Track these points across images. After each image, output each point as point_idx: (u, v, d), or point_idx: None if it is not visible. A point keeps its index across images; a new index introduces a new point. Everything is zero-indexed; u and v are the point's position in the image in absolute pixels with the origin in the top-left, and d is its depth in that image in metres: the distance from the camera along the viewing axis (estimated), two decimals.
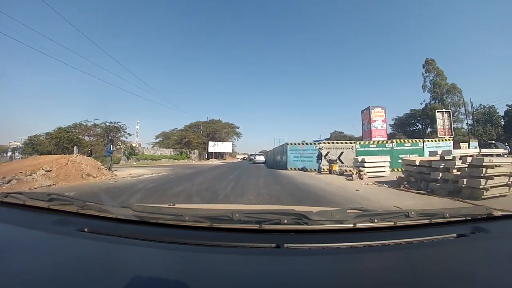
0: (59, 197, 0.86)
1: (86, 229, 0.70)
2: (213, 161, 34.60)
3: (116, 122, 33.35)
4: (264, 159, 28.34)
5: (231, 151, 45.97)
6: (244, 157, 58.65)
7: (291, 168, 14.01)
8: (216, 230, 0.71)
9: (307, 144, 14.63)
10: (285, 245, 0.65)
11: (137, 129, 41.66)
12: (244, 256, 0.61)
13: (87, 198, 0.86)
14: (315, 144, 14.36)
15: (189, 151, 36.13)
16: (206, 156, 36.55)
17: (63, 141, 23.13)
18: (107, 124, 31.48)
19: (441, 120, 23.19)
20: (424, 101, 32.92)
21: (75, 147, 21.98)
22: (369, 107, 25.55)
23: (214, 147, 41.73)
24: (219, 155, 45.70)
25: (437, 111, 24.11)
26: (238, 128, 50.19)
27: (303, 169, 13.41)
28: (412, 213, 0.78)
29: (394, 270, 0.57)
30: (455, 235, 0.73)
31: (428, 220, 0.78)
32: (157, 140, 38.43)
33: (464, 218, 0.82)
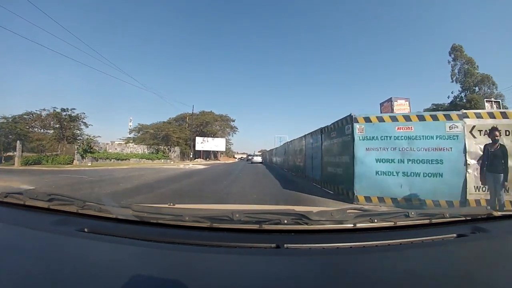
0: (59, 197, 0.87)
1: (86, 229, 0.73)
2: (197, 163, 24.70)
3: (70, 109, 22.34)
4: (261, 159, 30.91)
5: (224, 149, 35.82)
6: (241, 157, 55.41)
7: (365, 199, 4.72)
8: (216, 230, 0.74)
9: (420, 117, 4.83)
10: (285, 245, 0.67)
11: (130, 126, 37.98)
12: (244, 256, 0.64)
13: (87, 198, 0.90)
14: (448, 118, 4.61)
15: (167, 149, 25.41)
16: (191, 156, 26.23)
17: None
18: (56, 111, 23.26)
19: None
20: (452, 92, 28.55)
21: (18, 141, 17.27)
22: (391, 98, 21.00)
23: (203, 144, 32.43)
24: (210, 154, 35.65)
25: (486, 101, 20.67)
26: (233, 121, 40.30)
27: (411, 201, 4.33)
28: (412, 213, 0.81)
29: (394, 270, 0.60)
30: (455, 235, 0.75)
31: (428, 220, 0.81)
32: (132, 135, 28.11)
33: (464, 218, 0.85)
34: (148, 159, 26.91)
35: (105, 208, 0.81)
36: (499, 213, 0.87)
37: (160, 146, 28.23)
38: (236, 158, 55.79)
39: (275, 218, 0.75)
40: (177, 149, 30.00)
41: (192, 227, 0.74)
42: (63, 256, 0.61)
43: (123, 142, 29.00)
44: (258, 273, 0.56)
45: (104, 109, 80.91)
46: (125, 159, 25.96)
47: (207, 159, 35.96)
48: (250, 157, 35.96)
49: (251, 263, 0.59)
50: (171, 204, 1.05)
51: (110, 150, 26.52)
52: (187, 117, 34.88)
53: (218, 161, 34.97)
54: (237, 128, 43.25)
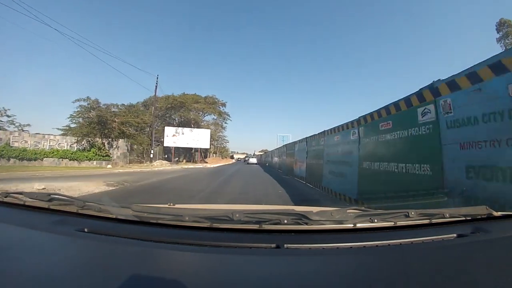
0: (59, 197, 0.87)
1: (86, 229, 0.73)
2: (120, 170, 14.51)
3: None
4: (256, 161, 30.14)
5: (208, 146, 24.47)
6: (239, 158, 54.08)
7: None
8: (216, 230, 0.74)
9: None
10: (285, 245, 0.67)
11: None
12: (244, 256, 0.64)
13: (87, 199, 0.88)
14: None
15: (106, 143, 13.39)
16: (151, 156, 14.98)
17: None
18: None
19: None
20: None
21: None
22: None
23: (175, 137, 20.42)
24: (193, 154, 24.41)
25: None
26: (224, 105, 28.38)
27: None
28: (412, 213, 0.80)
29: (394, 271, 0.60)
30: (455, 235, 0.74)
31: (428, 220, 0.80)
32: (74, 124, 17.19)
33: (464, 218, 0.84)
34: (74, 159, 16.48)
35: (105, 208, 0.80)
36: (499, 213, 0.86)
37: (97, 139, 17.89)
38: (233, 159, 52.50)
39: (275, 218, 0.74)
40: (121, 143, 17.64)
41: (192, 227, 0.73)
42: (63, 256, 0.61)
43: (58, 134, 18.79)
44: (258, 273, 0.56)
45: (48, 91, 65.40)
46: (35, 159, 15.71)
47: (185, 160, 25.00)
48: (246, 159, 38.49)
49: (251, 263, 0.60)
50: (171, 204, 1.04)
51: (16, 144, 16.26)
52: (155, 99, 21.35)
53: (200, 165, 22.07)
54: (229, 116, 31.07)
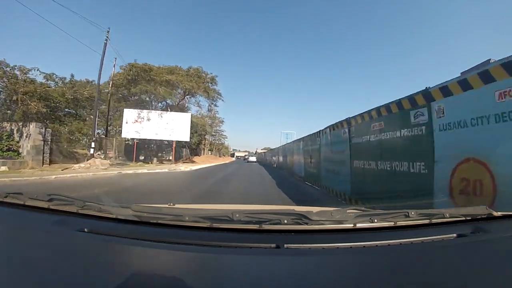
0: (59, 197, 0.89)
1: (86, 229, 0.74)
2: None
3: None
4: (255, 159, 31.04)
5: (188, 139, 17.57)
6: (239, 156, 56.30)
7: None
8: (216, 230, 0.75)
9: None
10: (285, 245, 0.68)
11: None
12: (244, 256, 0.66)
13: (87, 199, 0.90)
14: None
15: (16, 132, 5.80)
16: (92, 149, 8.07)
17: None
18: None
19: None
20: None
21: None
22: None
23: (138, 124, 13.43)
24: (177, 151, 17.88)
25: None
26: (214, 81, 20.47)
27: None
28: (412, 213, 0.82)
29: (394, 271, 0.61)
30: (455, 235, 0.76)
31: (428, 220, 0.82)
32: None
33: (464, 218, 0.86)
34: None
35: (105, 208, 0.82)
36: (499, 213, 0.87)
37: (5, 124, 11.19)
38: (233, 157, 51.66)
39: (275, 218, 0.75)
40: (32, 130, 10.96)
41: (192, 227, 0.75)
42: (63, 256, 0.62)
43: None
44: (258, 273, 0.57)
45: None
46: None
47: (156, 159, 17.92)
48: (246, 157, 39.32)
49: (251, 263, 0.61)
50: (171, 204, 1.06)
51: None
52: (102, 60, 12.75)
53: (166, 167, 13.44)
54: (220, 95, 22.97)
